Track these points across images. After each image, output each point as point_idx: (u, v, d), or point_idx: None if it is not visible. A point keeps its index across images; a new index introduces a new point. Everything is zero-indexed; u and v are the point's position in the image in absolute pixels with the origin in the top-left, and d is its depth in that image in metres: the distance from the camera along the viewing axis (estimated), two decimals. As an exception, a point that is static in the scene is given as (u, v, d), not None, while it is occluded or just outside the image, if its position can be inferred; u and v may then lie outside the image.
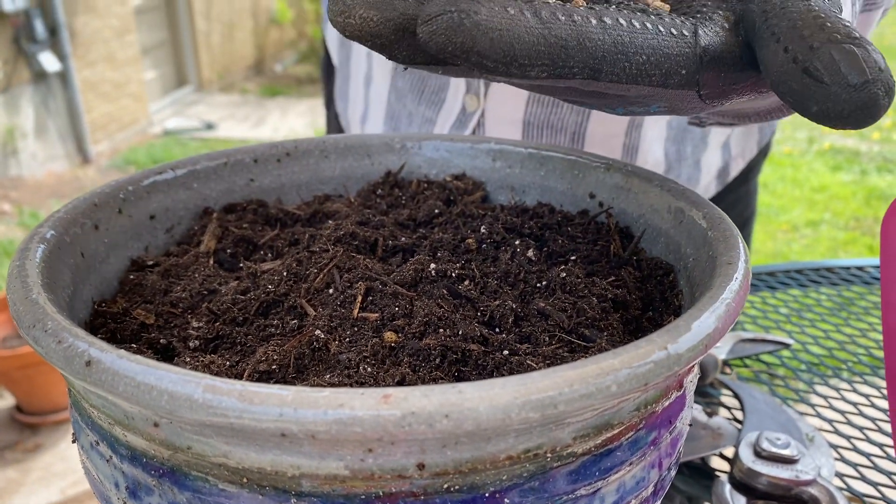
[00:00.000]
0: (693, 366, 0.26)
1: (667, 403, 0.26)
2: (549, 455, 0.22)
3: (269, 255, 0.36)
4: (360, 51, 0.70)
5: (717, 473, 0.48)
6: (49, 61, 3.58)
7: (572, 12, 0.22)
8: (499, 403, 0.20)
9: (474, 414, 0.19)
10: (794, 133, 4.30)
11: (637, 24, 0.23)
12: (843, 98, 0.21)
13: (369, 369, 0.26)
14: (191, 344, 0.29)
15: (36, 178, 3.60)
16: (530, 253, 0.34)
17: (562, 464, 0.23)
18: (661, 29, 0.23)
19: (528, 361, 0.27)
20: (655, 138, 0.64)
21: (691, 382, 0.28)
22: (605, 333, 0.29)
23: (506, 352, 0.28)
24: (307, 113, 4.88)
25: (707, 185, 0.71)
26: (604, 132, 0.62)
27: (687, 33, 0.24)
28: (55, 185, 3.57)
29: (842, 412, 0.56)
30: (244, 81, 5.73)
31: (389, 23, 0.22)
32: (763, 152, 0.76)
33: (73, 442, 0.28)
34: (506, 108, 0.62)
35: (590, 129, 0.61)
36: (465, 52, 0.20)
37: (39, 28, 3.52)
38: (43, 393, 1.90)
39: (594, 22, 0.22)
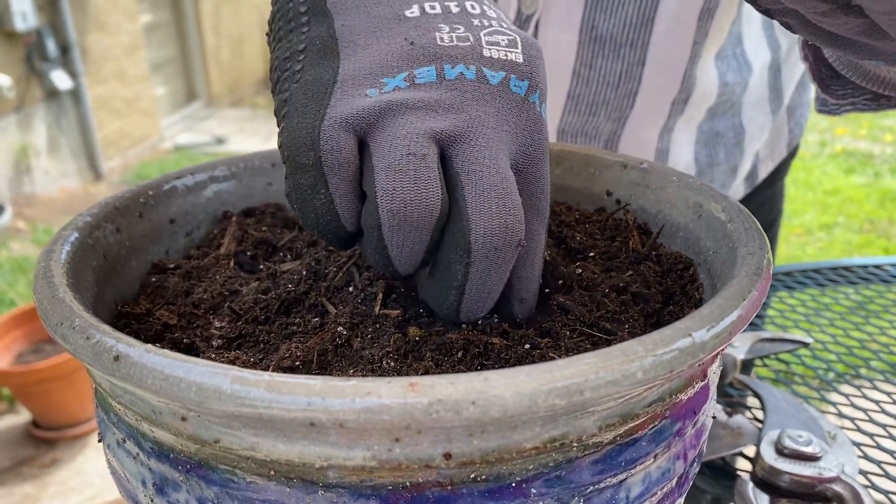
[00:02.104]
0: (717, 354, 0.25)
1: (691, 393, 0.26)
2: (574, 444, 0.22)
3: (289, 256, 0.37)
4: None
5: (739, 473, 0.48)
6: (61, 79, 3.61)
7: None
8: (525, 390, 0.20)
9: (501, 401, 0.19)
10: (805, 136, 4.27)
11: None
12: None
13: (392, 364, 0.26)
14: (214, 343, 0.29)
15: (49, 194, 3.63)
16: (549, 250, 0.34)
17: (587, 453, 0.23)
18: None
19: (551, 354, 0.27)
20: (685, 142, 0.63)
21: (715, 374, 0.28)
22: (627, 326, 0.29)
23: (527, 345, 0.28)
24: (317, 126, 4.87)
25: (736, 188, 0.70)
26: (637, 139, 0.62)
27: None
28: (68, 202, 3.60)
29: (864, 410, 0.55)
30: (254, 95, 5.76)
31: None
32: (792, 153, 0.75)
33: (99, 441, 0.28)
34: None
35: (624, 136, 0.61)
36: None
37: (51, 46, 3.55)
38: (59, 408, 1.91)
39: None
